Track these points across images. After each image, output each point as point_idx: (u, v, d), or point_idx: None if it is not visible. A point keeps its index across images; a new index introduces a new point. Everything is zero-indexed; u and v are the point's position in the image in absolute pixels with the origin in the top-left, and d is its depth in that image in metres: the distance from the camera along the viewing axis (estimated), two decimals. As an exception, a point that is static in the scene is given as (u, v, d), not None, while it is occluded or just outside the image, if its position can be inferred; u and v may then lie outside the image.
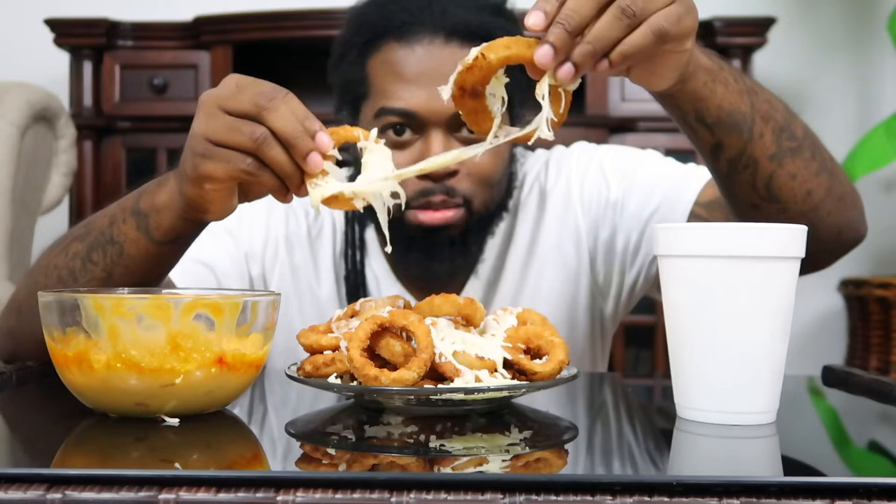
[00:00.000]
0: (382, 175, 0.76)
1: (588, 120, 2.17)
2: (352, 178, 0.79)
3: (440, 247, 1.09)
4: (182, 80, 2.20)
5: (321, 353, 0.74)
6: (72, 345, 0.67)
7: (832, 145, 2.64)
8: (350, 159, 1.04)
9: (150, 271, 0.88)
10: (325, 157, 0.75)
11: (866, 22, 2.45)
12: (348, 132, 0.78)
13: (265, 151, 0.74)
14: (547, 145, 1.08)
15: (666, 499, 0.49)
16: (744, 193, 0.91)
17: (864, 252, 2.47)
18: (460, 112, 0.74)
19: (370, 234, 1.18)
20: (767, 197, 0.91)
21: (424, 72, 1.04)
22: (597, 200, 1.16)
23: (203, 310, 0.66)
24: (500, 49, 0.70)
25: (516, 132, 0.74)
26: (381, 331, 0.71)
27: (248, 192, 0.80)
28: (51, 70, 2.36)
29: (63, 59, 2.26)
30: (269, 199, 0.81)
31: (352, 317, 0.78)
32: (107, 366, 0.65)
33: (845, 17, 2.46)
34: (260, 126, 0.74)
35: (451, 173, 1.05)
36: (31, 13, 2.33)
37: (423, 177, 1.05)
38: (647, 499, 0.49)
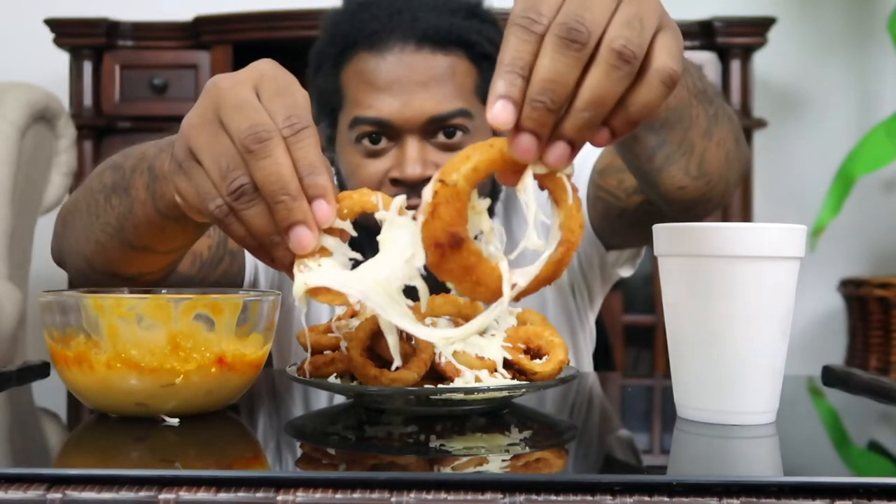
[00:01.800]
0: (400, 258, 0.56)
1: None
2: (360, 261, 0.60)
3: None
4: (182, 80, 2.20)
5: (321, 353, 0.74)
6: (72, 345, 0.67)
7: (832, 145, 2.64)
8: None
9: (157, 242, 0.78)
10: (329, 230, 0.58)
11: (866, 22, 2.45)
12: (364, 198, 0.60)
13: (238, 209, 0.58)
14: None
15: (666, 499, 0.49)
16: (674, 180, 0.87)
17: (864, 252, 2.48)
18: (448, 284, 0.54)
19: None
20: (698, 175, 0.87)
21: (397, 80, 1.04)
22: (540, 192, 1.15)
23: (203, 310, 0.66)
24: (460, 165, 0.52)
25: (535, 269, 0.55)
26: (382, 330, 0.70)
27: None
28: (51, 70, 2.36)
29: (63, 59, 2.26)
30: None
31: (352, 317, 0.78)
32: (107, 366, 0.65)
33: (845, 17, 2.46)
34: (243, 175, 0.58)
35: (427, 179, 1.04)
36: (31, 13, 2.33)
37: (398, 184, 1.04)
38: (647, 499, 0.49)
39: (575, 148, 0.52)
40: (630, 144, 0.83)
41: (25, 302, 1.82)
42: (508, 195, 1.17)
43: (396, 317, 0.56)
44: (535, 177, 0.53)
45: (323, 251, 0.57)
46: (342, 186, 1.13)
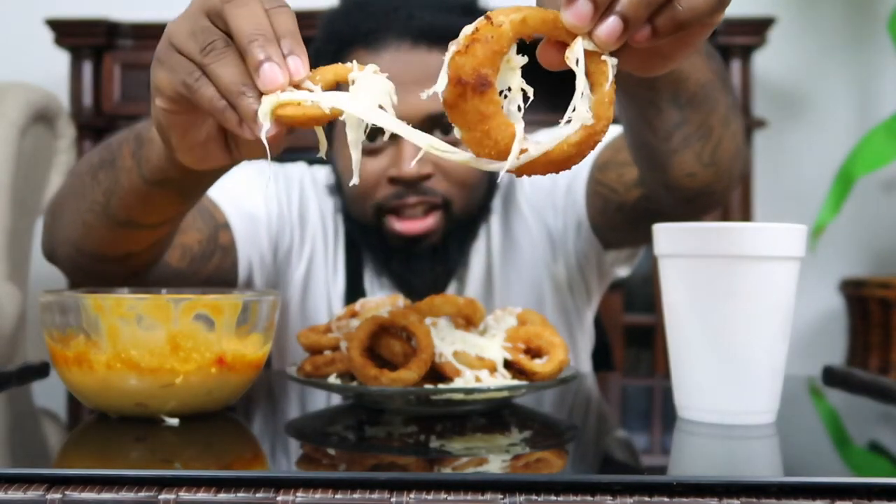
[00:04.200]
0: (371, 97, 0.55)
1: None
2: None
3: (419, 257, 1.07)
4: (182, 80, 2.20)
5: (321, 353, 0.74)
6: (72, 345, 0.67)
7: (832, 145, 2.63)
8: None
9: (143, 214, 0.79)
10: (295, 87, 0.56)
11: (866, 22, 2.45)
12: (338, 68, 0.60)
13: (208, 63, 0.57)
14: None
15: (666, 499, 0.49)
16: (685, 165, 0.86)
17: (864, 252, 2.48)
18: (456, 130, 0.52)
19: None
20: (709, 163, 0.87)
21: (393, 78, 1.03)
22: (539, 188, 1.15)
23: (203, 310, 0.66)
24: (511, 12, 0.50)
25: (550, 144, 0.51)
26: (381, 331, 0.71)
27: (236, 144, 0.66)
28: (51, 70, 2.36)
29: (63, 59, 2.26)
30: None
31: (352, 317, 0.78)
32: (107, 366, 0.65)
33: (845, 17, 2.46)
34: (217, 32, 0.58)
35: (426, 176, 1.04)
36: (31, 13, 2.32)
37: (396, 182, 1.04)
38: (647, 499, 0.49)
39: (627, 28, 0.51)
40: (651, 117, 0.82)
41: (25, 302, 1.82)
42: (508, 193, 1.17)
43: (368, 111, 0.55)
44: None
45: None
46: (340, 186, 1.13)
